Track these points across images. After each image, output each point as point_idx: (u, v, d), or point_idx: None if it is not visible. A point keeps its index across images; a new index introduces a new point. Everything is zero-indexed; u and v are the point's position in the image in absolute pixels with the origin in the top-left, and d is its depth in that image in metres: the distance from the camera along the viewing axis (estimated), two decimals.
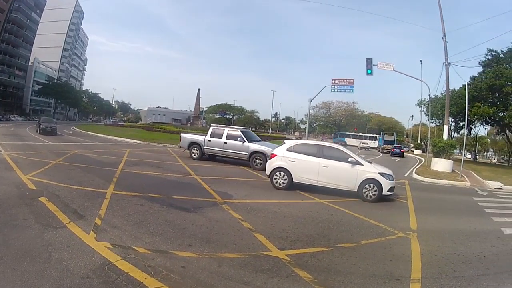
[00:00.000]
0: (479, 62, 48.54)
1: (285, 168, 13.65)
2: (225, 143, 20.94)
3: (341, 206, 11.55)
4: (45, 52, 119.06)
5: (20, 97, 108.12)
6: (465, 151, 39.12)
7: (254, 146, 20.28)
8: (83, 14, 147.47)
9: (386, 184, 12.97)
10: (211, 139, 21.40)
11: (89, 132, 44.86)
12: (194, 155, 22.00)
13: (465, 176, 25.35)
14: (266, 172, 14.35)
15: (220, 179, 15.66)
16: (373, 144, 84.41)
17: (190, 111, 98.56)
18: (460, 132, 60.39)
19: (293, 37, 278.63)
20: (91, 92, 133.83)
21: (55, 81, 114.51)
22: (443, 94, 46.20)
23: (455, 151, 38.25)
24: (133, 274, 5.17)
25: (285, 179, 13.65)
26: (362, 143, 76.61)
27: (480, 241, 8.93)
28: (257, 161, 19.79)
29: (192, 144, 22.26)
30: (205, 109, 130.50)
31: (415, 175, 25.04)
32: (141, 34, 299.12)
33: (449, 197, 16.52)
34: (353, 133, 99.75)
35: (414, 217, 11.06)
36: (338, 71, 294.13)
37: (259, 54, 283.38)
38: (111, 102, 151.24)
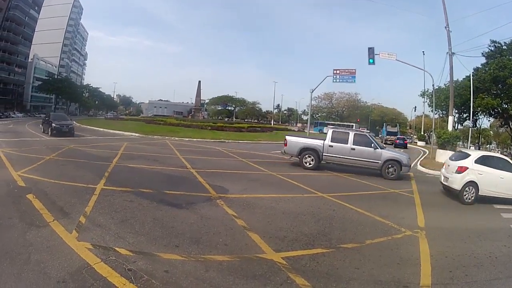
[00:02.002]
0: (482, 53, 48.41)
1: (474, 182, 13.02)
2: (353, 149, 17.77)
3: (344, 201, 10.95)
4: (45, 48, 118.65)
5: (20, 93, 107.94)
6: (469, 142, 38.70)
7: (388, 154, 17.78)
8: (82, 9, 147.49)
9: None
10: (333, 144, 18.05)
11: (88, 127, 44.14)
12: (308, 164, 18.20)
13: None
14: (456, 186, 13.20)
15: (217, 172, 15.13)
16: None
17: (192, 103, 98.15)
18: (464, 124, 59.95)
19: (294, 29, 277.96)
20: (91, 86, 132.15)
21: (56, 76, 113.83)
22: (446, 85, 45.92)
23: (458, 143, 37.69)
24: (111, 279, 4.75)
25: (473, 194, 12.96)
26: None
27: (491, 239, 8.41)
28: (391, 169, 17.42)
29: (305, 150, 18.41)
30: (206, 101, 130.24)
31: (420, 167, 24.34)
32: (141, 29, 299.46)
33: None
34: (331, 122, 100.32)
35: (422, 213, 10.46)
36: (340, 63, 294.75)
37: (260, 46, 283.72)
38: (112, 96, 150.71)
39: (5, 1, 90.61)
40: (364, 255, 6.52)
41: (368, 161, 17.68)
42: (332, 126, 19.75)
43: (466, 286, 5.57)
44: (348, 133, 18.46)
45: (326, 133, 18.99)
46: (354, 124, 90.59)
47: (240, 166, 17.50)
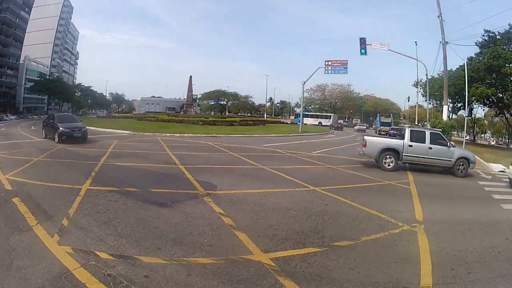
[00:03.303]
0: (476, 42, 48.53)
1: None
2: (430, 148, 17.05)
3: (337, 194, 10.61)
4: (36, 49, 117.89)
5: (12, 96, 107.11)
6: (465, 133, 38.65)
7: (459, 152, 17.48)
8: (72, 8, 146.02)
9: None
10: (412, 143, 17.21)
11: None
12: (388, 165, 17.16)
13: None
14: None
15: (206, 167, 14.85)
16: (327, 122, 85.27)
17: (184, 99, 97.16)
18: (458, 113, 60.06)
19: (284, 21, 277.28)
20: (83, 85, 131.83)
21: (47, 77, 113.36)
22: (440, 74, 46.12)
23: (453, 132, 37.66)
24: (90, 286, 4.58)
25: None
26: (359, 126, 75.81)
27: (493, 233, 8.05)
28: (461, 167, 17.07)
29: (386, 151, 17.36)
30: (199, 96, 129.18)
31: None
32: (131, 26, 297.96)
33: (453, 181, 15.65)
34: (310, 113, 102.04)
35: (419, 205, 10.08)
36: (332, 55, 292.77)
37: (250, 39, 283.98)
38: (104, 94, 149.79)
39: None
40: (359, 253, 6.14)
41: (443, 160, 17.18)
42: (408, 125, 18.96)
43: (469, 285, 5.20)
44: (424, 131, 17.81)
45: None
46: (332, 115, 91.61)
47: (230, 161, 17.22)
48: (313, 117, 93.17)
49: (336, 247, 6.36)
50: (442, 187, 13.86)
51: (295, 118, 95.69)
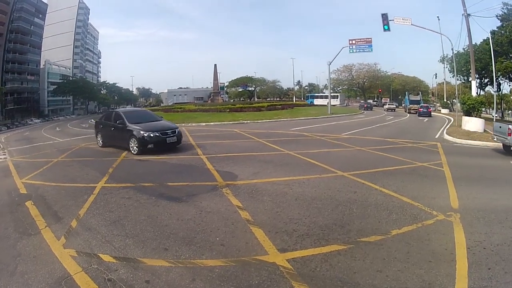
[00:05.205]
0: (497, 15, 47.35)
1: None
2: None
3: (366, 180, 9.90)
4: (57, 53, 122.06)
5: (36, 100, 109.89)
6: (491, 109, 37.36)
7: None
8: (89, 10, 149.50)
9: None
10: None
11: None
12: None
13: None
14: None
15: (229, 156, 14.33)
16: (335, 102, 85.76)
17: (211, 88, 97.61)
18: (485, 89, 58.49)
19: (305, 4, 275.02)
20: (108, 83, 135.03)
21: (70, 78, 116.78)
22: (465, 49, 45.29)
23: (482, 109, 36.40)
24: None
25: None
26: (388, 105, 73.63)
27: None
28: None
29: None
30: (226, 84, 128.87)
31: (446, 136, 22.80)
32: (153, 21, 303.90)
33: (486, 161, 14.61)
34: (320, 94, 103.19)
35: (454, 190, 9.10)
36: (358, 33, 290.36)
37: (274, 24, 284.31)
38: (131, 90, 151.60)
39: (6, 15, 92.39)
40: (389, 251, 5.38)
41: None
42: None
43: None
44: None
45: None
46: (339, 94, 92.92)
47: (255, 147, 16.68)
48: (322, 98, 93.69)
49: (363, 244, 5.65)
50: (475, 169, 12.75)
51: (306, 99, 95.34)
